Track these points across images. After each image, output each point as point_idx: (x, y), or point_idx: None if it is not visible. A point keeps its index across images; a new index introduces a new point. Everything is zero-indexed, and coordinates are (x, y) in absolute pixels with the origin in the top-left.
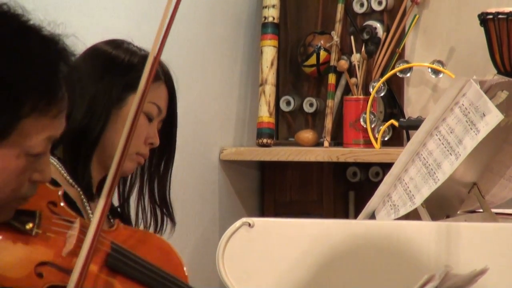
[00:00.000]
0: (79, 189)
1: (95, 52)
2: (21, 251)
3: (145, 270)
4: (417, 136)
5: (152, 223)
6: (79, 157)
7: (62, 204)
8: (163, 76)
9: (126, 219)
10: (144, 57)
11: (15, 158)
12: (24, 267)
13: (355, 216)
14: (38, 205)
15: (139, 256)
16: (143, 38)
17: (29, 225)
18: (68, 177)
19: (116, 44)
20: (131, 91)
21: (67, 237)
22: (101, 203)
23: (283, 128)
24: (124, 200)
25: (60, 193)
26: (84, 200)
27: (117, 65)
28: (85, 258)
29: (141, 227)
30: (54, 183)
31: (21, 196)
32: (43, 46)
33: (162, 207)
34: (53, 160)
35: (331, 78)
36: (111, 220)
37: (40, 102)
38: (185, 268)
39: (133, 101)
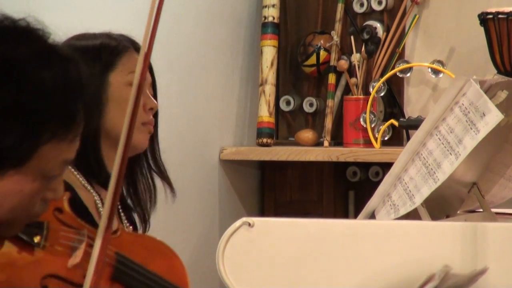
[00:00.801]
0: (94, 193)
1: None
2: (28, 263)
3: (149, 282)
4: (417, 135)
5: (153, 194)
6: (88, 155)
7: (68, 209)
8: (129, 44)
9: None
10: (105, 35)
11: (31, 182)
12: (30, 279)
13: (355, 216)
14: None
15: (143, 266)
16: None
17: (37, 238)
18: (83, 181)
19: (78, 37)
20: (109, 71)
21: (74, 249)
22: (100, 230)
23: (283, 127)
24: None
25: (65, 198)
26: (99, 204)
27: (85, 54)
28: (93, 272)
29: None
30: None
31: (33, 214)
32: (63, 70)
33: (158, 170)
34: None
35: (331, 78)
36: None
37: (59, 129)
38: (186, 272)
39: (130, 98)
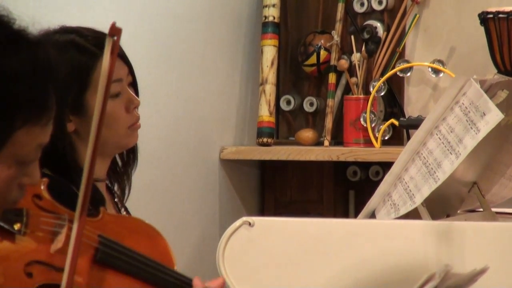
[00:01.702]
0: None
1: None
2: (10, 252)
3: (135, 262)
4: (417, 135)
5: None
6: (68, 166)
7: (47, 195)
8: (99, 50)
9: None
10: (75, 44)
11: (7, 168)
12: (14, 267)
13: (355, 216)
14: (23, 200)
15: (127, 247)
16: (145, 36)
17: (17, 225)
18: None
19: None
20: (84, 91)
21: (56, 234)
22: (79, 203)
23: (283, 127)
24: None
25: (43, 187)
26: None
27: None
28: (72, 256)
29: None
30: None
31: (10, 201)
32: (31, 55)
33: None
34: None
35: (332, 78)
36: (97, 209)
37: (32, 114)
38: (171, 251)
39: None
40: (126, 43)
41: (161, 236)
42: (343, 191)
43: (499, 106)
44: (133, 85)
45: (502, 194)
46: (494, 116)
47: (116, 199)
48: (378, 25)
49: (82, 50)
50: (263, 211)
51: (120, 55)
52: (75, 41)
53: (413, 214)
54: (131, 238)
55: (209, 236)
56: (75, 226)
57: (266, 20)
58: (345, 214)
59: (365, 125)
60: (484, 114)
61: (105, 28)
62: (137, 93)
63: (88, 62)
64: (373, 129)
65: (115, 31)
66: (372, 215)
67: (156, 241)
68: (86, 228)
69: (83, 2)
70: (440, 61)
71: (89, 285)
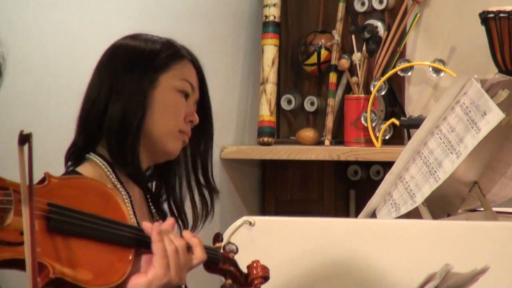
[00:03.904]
0: (123, 191)
1: (116, 49)
2: None
3: (88, 224)
4: (418, 134)
5: (201, 206)
6: (126, 149)
7: None
8: (188, 55)
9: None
10: (165, 42)
11: None
12: None
13: (356, 215)
14: None
15: (78, 210)
16: None
17: None
18: (116, 182)
19: (133, 36)
20: (162, 71)
21: (4, 211)
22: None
23: (284, 126)
24: (174, 194)
25: None
26: (127, 202)
27: (141, 55)
28: (29, 229)
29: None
30: None
31: None
32: None
33: (208, 186)
34: (101, 163)
35: (332, 77)
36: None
37: None
38: (121, 204)
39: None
40: None
41: (111, 192)
42: (343, 190)
43: (500, 105)
44: (201, 105)
45: (503, 193)
46: (495, 116)
47: (150, 203)
48: (379, 24)
49: (173, 45)
50: (263, 211)
51: (197, 69)
52: (168, 40)
53: (414, 214)
54: (80, 199)
55: (209, 235)
56: (24, 211)
57: (267, 19)
58: (345, 214)
59: (365, 125)
60: (485, 114)
61: (105, 28)
62: (208, 99)
63: (178, 52)
64: (373, 128)
65: (25, 137)
66: (373, 215)
67: (106, 198)
68: (35, 199)
69: (83, 1)
70: (441, 61)
71: (47, 255)
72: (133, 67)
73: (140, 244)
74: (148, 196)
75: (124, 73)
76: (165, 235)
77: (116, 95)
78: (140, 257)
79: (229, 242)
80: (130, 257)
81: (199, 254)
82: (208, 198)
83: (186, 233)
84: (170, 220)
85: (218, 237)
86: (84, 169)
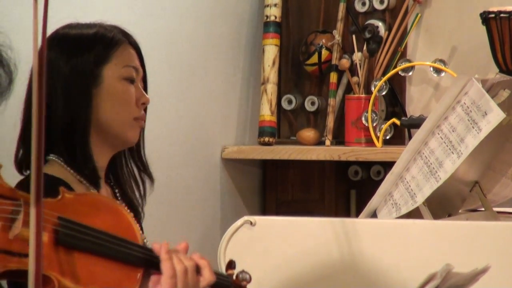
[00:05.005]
0: (91, 188)
1: (55, 40)
2: None
3: (98, 240)
4: (419, 134)
5: (135, 187)
6: (75, 148)
7: (1, 181)
8: (123, 37)
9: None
10: (102, 26)
11: None
12: None
13: (357, 215)
14: None
15: (89, 226)
16: (147, 35)
17: None
18: (76, 175)
19: (71, 25)
20: (103, 64)
21: (13, 221)
22: (33, 186)
23: (285, 126)
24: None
25: None
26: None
27: (79, 43)
28: (35, 240)
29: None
30: (67, 186)
31: None
32: None
33: (140, 163)
34: (59, 161)
35: (333, 77)
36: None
37: None
38: (133, 224)
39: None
40: None
41: (123, 211)
42: (344, 190)
43: (500, 105)
44: (144, 80)
45: (504, 193)
46: (496, 116)
47: (118, 197)
48: (380, 24)
49: (106, 29)
50: (264, 211)
51: (135, 48)
52: (99, 24)
53: (414, 214)
54: (92, 215)
55: (210, 235)
56: (32, 211)
57: (268, 19)
58: (346, 214)
59: (366, 125)
60: (486, 114)
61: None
62: (146, 88)
63: (113, 39)
64: (374, 128)
65: None
66: (374, 215)
67: (118, 216)
68: (45, 212)
69: (84, 1)
70: (442, 61)
71: (53, 268)
72: (73, 60)
73: (149, 264)
74: (116, 190)
75: (64, 66)
76: (174, 255)
77: (60, 98)
78: (148, 277)
79: (242, 271)
80: (138, 276)
81: (207, 275)
82: (139, 181)
83: (195, 255)
84: (183, 244)
85: (231, 265)
86: (53, 170)
